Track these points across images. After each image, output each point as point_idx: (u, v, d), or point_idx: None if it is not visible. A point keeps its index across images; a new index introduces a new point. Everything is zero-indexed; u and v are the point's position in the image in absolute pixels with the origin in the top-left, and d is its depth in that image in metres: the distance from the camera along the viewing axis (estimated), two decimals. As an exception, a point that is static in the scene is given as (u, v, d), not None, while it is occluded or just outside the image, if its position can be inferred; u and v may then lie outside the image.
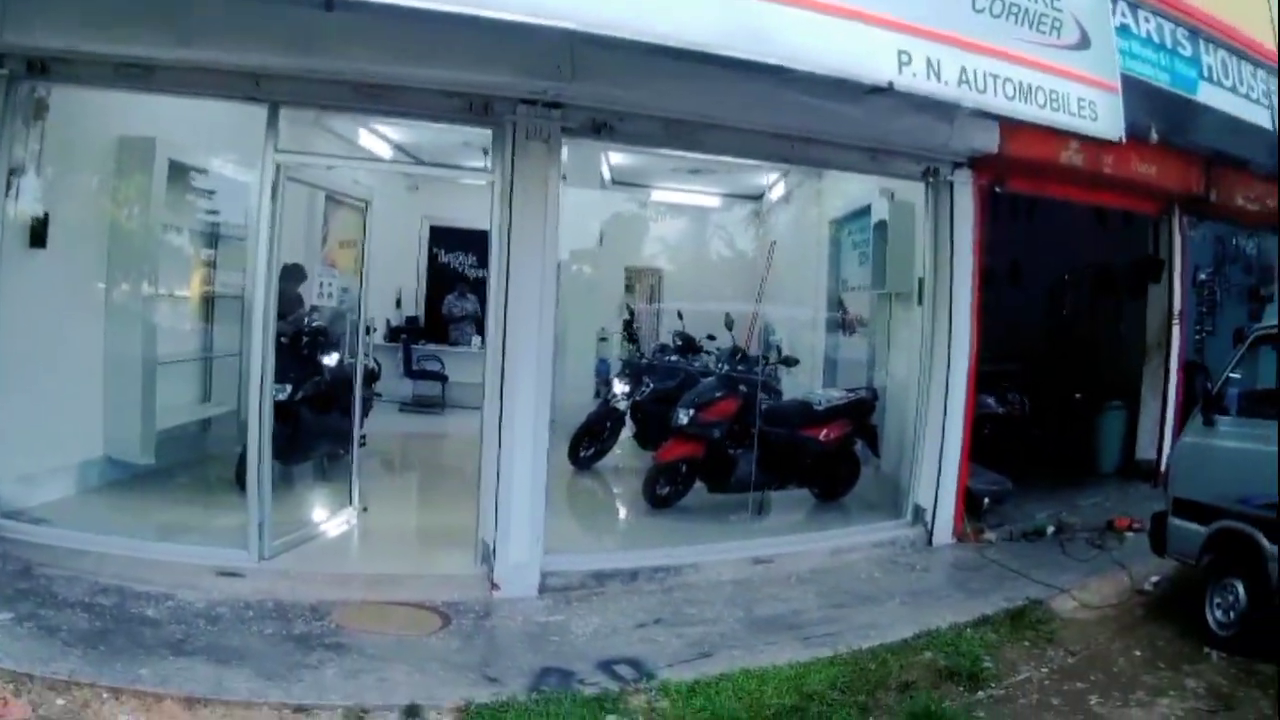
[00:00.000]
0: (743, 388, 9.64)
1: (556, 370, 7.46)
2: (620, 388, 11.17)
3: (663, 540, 8.50)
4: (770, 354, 10.77)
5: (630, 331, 15.82)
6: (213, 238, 9.98)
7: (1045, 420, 12.13)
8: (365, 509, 8.42)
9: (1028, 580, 7.99)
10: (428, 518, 9.48)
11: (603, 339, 15.81)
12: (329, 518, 8.10)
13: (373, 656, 5.83)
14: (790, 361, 10.30)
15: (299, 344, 8.77)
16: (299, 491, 8.93)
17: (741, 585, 7.76)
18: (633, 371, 11.35)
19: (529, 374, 7.02)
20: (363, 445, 9.42)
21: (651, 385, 10.99)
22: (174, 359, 9.11)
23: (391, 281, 16.13)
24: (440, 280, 17.32)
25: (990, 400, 10.57)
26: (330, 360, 9.12)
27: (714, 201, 17.29)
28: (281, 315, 9.28)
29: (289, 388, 8.34)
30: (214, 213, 9.89)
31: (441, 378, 15.19)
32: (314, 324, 8.99)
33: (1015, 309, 12.62)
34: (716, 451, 9.41)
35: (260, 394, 6.78)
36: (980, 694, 5.96)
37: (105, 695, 4.99)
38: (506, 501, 7.01)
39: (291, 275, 9.66)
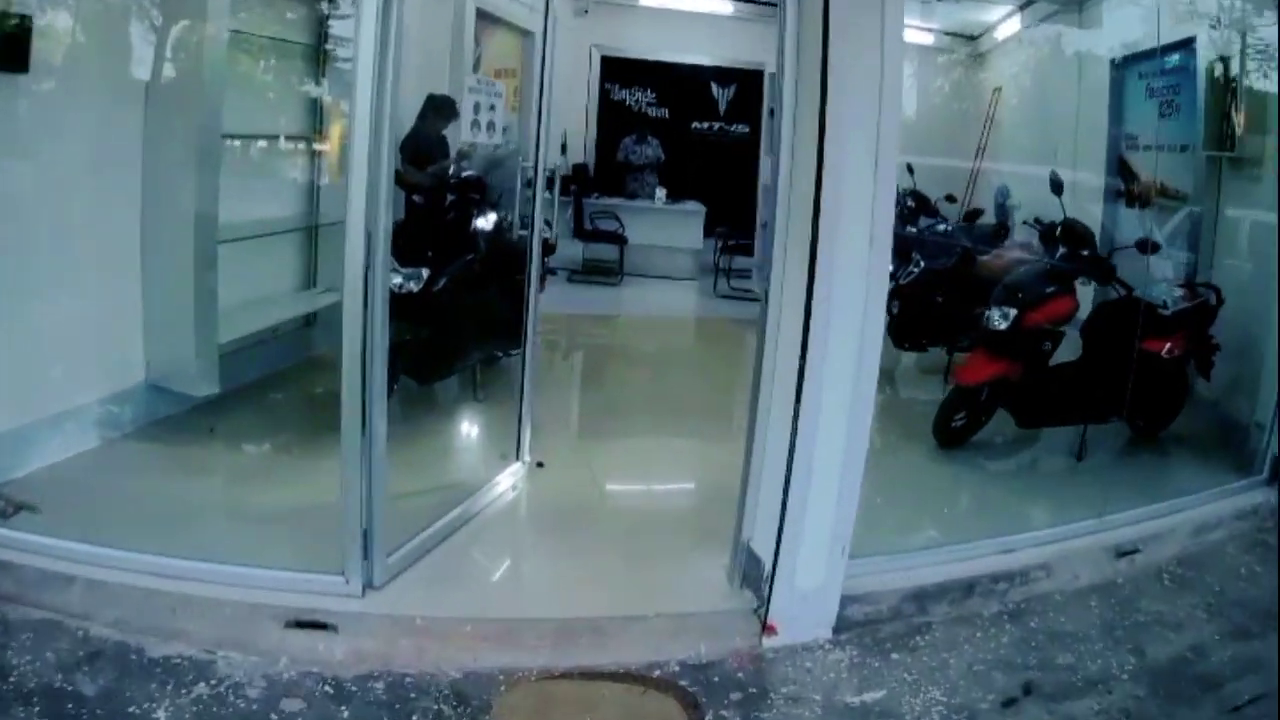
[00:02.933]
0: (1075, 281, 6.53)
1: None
2: (884, 267, 8.00)
3: (982, 518, 5.60)
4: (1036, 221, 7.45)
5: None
6: (315, 54, 7.03)
7: None
8: (540, 464, 5.49)
9: None
10: (638, 482, 6.05)
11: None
12: (483, 488, 5.08)
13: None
14: (1150, 246, 6.93)
15: (441, 205, 5.90)
16: (436, 438, 6.15)
17: (1107, 594, 4.93)
18: (897, 245, 8.10)
19: (852, 303, 3.84)
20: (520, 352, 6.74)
21: (922, 264, 7.84)
22: (253, 233, 6.26)
23: (556, 123, 13.21)
24: (614, 121, 14.56)
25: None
26: (486, 225, 6.23)
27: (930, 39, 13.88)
28: (419, 165, 6.57)
29: (425, 273, 5.53)
30: (320, 19, 7.00)
31: (620, 239, 12.22)
32: (464, 174, 6.10)
33: None
34: (1038, 370, 6.34)
35: (367, 292, 3.74)
36: None
37: None
38: (800, 495, 3.94)
39: (437, 111, 6.93)
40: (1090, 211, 9.96)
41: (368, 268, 3.68)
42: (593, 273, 12.37)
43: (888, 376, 7.80)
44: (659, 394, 7.70)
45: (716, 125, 15.10)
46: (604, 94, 14.76)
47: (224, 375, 5.71)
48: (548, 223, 7.29)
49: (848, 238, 3.69)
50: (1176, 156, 8.41)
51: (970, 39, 13.75)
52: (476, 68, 10.41)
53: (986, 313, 6.28)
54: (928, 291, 7.82)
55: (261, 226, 6.37)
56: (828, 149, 3.61)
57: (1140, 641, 4.45)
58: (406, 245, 5.71)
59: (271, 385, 6.46)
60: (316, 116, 7.11)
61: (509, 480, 5.22)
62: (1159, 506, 5.65)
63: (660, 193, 12.89)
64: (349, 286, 3.67)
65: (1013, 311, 6.15)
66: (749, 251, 12.31)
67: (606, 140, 14.33)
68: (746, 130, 15.05)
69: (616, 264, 12.30)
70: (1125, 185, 9.56)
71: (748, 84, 14.84)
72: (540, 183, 5.05)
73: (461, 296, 5.95)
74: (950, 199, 10.85)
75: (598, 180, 13.50)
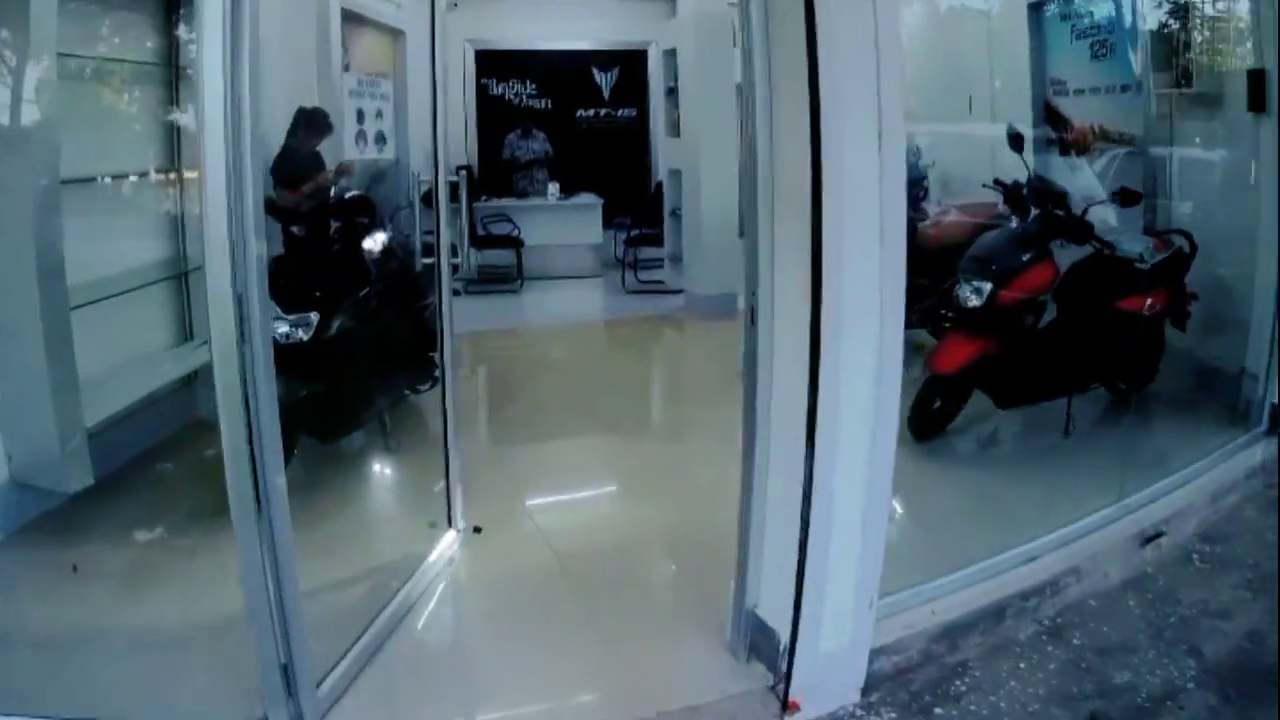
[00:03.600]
0: (1054, 243, 5.85)
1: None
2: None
3: (991, 524, 4.85)
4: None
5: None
6: (167, 73, 6.08)
7: None
8: (478, 529, 4.68)
9: None
10: (595, 535, 4.96)
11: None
12: (416, 571, 4.21)
13: None
14: (1131, 197, 6.34)
15: (325, 234, 5.09)
16: (350, 510, 5.21)
17: (1142, 589, 4.40)
18: None
19: (867, 313, 3.09)
20: (434, 384, 5.87)
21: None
22: (112, 290, 5.29)
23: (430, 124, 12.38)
24: (495, 118, 13.73)
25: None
26: (378, 250, 5.43)
27: None
28: (292, 185, 5.72)
29: (313, 317, 4.68)
30: (169, 33, 6.05)
31: (516, 242, 11.38)
32: (347, 195, 5.29)
33: None
34: (1017, 346, 5.70)
35: (245, 353, 2.85)
36: None
37: None
38: (820, 550, 3.21)
39: (309, 126, 6.11)
40: (1015, 163, 9.49)
41: (242, 335, 2.80)
42: (490, 280, 11.54)
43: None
44: (593, 417, 6.90)
45: (602, 111, 14.39)
46: (481, 90, 13.95)
47: (99, 457, 4.82)
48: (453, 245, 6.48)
49: (856, 235, 2.95)
50: (1116, 98, 7.94)
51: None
52: (348, 68, 9.53)
53: (956, 289, 5.66)
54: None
55: (121, 281, 5.43)
56: (825, 124, 2.84)
57: (1193, 639, 3.96)
58: (289, 286, 4.88)
59: (155, 458, 5.56)
60: (175, 145, 6.16)
61: (444, 554, 4.40)
62: (1173, 479, 5.13)
63: (553, 188, 12.09)
64: (220, 359, 2.82)
65: (987, 286, 5.54)
66: (655, 241, 11.70)
67: (489, 138, 13.47)
68: (634, 114, 14.38)
69: (514, 269, 11.47)
70: (1057, 133, 9.08)
71: (631, 65, 14.18)
72: (444, 195, 4.23)
73: (360, 336, 5.13)
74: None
75: (484, 181, 12.60)
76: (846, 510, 3.24)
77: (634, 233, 11.26)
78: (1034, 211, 5.89)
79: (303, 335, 4.80)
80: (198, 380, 5.96)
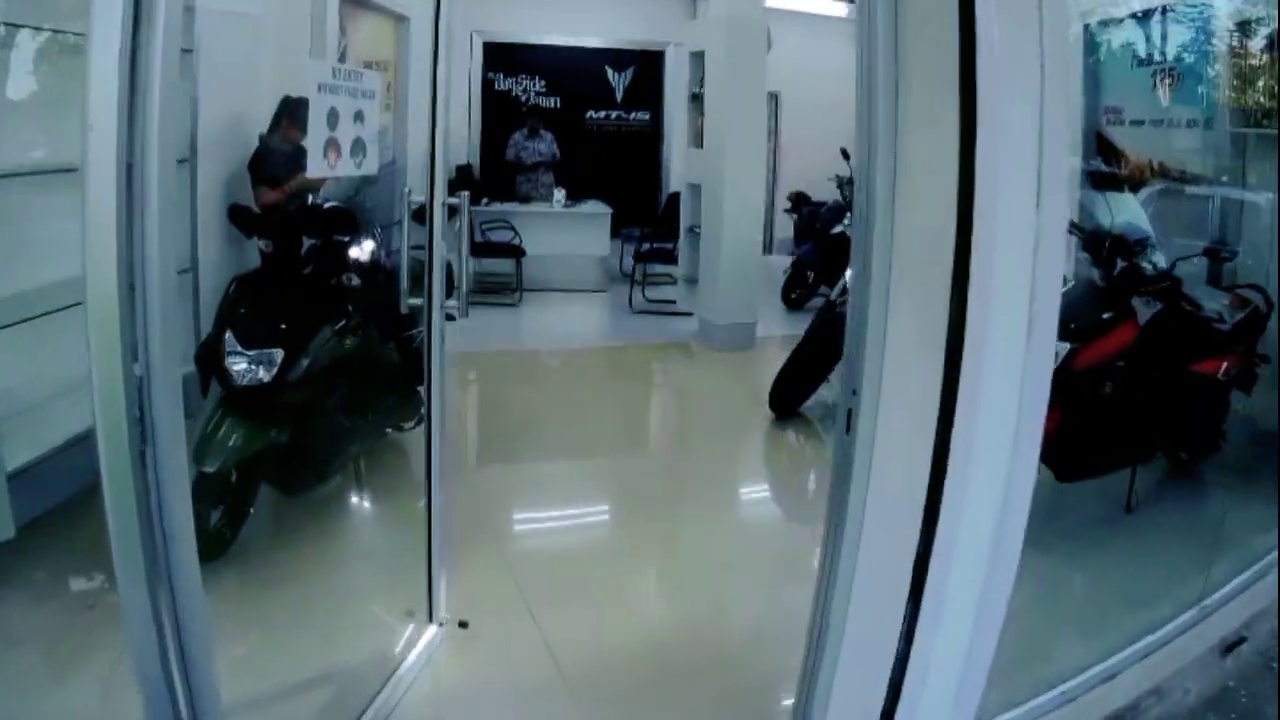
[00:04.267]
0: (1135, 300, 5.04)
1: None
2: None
3: (1062, 630, 3.98)
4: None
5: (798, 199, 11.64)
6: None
7: None
8: (463, 624, 3.84)
9: None
10: (608, 635, 3.98)
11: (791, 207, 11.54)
12: (388, 682, 3.37)
13: None
14: (1223, 253, 5.59)
15: (297, 252, 4.31)
16: (305, 589, 4.27)
17: (1227, 709, 3.71)
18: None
19: (1003, 415, 2.22)
20: (420, 420, 5.16)
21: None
22: (36, 309, 4.29)
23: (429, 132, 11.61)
24: (500, 115, 12.99)
25: None
26: (363, 254, 4.64)
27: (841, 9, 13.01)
28: (272, 183, 5.15)
29: (277, 355, 3.92)
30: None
31: (517, 252, 10.54)
32: (326, 205, 4.51)
33: None
34: (1088, 417, 4.84)
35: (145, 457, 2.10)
36: None
37: None
38: (912, 700, 2.42)
39: (293, 118, 5.35)
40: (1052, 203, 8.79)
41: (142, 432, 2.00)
42: (488, 291, 10.71)
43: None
44: (596, 473, 6.09)
45: (614, 114, 13.67)
46: (487, 84, 13.24)
47: (23, 503, 3.98)
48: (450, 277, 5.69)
49: (1004, 320, 2.13)
50: (1181, 133, 7.21)
51: None
52: (342, 62, 8.72)
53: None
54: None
55: (52, 295, 4.58)
56: (980, 166, 2.02)
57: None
58: (251, 314, 4.07)
59: (91, 503, 4.71)
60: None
61: (420, 656, 3.58)
62: (1252, 572, 4.35)
63: (559, 194, 11.24)
64: (106, 459, 2.02)
65: (1064, 348, 4.74)
66: (666, 257, 10.90)
67: (492, 137, 12.69)
68: (647, 118, 13.67)
69: (514, 280, 10.64)
70: (1109, 166, 8.35)
71: (647, 66, 13.50)
72: (439, 221, 3.39)
73: (333, 374, 4.32)
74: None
75: (485, 184, 11.77)
76: (950, 647, 2.44)
77: (644, 247, 10.43)
78: (1117, 262, 5.10)
79: (264, 376, 3.99)
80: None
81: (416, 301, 3.19)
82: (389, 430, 5.43)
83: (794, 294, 10.32)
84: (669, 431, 7.11)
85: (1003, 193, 2.03)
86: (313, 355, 4.11)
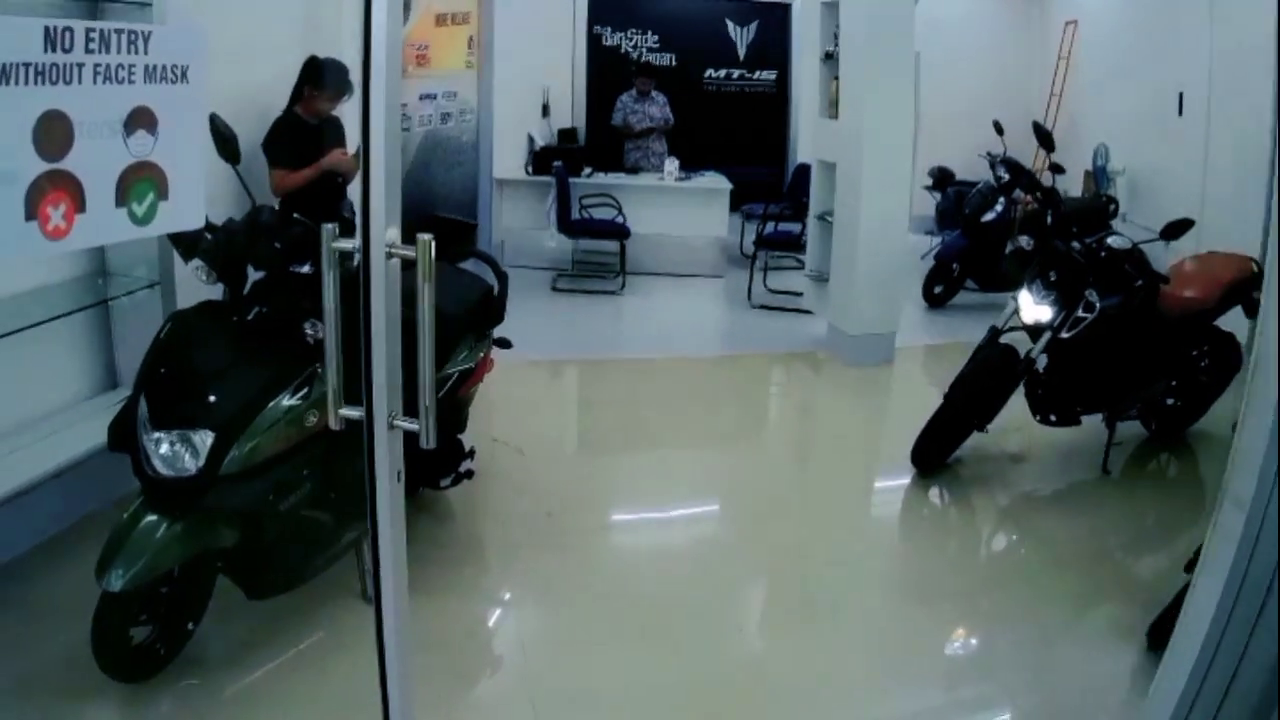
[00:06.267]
0: None
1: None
2: (1036, 307, 5.02)
3: None
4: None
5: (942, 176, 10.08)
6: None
7: None
8: None
9: None
10: None
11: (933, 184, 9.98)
12: None
13: None
14: None
15: (239, 287, 3.08)
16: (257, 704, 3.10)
17: None
18: (1057, 265, 5.08)
19: None
20: (468, 476, 4.21)
21: (1099, 304, 4.86)
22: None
23: (533, 78, 10.37)
24: (607, 74, 11.72)
25: None
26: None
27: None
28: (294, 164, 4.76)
29: (205, 440, 2.63)
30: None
31: (620, 232, 9.16)
32: (296, 227, 3.22)
33: None
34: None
35: None
36: None
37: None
38: None
39: (318, 83, 4.29)
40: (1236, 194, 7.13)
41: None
42: (586, 275, 9.40)
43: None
44: (704, 538, 4.74)
45: (735, 73, 12.24)
46: (594, 39, 11.94)
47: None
48: (497, 267, 4.41)
49: None
50: None
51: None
52: (407, 13, 7.49)
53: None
54: (1098, 350, 5.01)
55: (18, 311, 3.54)
56: None
57: None
58: (176, 375, 2.83)
59: (64, 549, 3.72)
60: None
61: None
62: None
63: (671, 164, 9.79)
64: None
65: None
66: (792, 245, 9.41)
67: (599, 99, 11.33)
68: (773, 79, 12.24)
69: (617, 263, 9.27)
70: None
71: (772, 21, 12.12)
72: (380, 275, 1.96)
73: (297, 464, 3.05)
74: (1057, 169, 7.90)
75: (589, 151, 10.38)
76: None
77: (767, 229, 8.93)
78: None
79: (189, 465, 2.74)
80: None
81: (352, 414, 1.87)
82: (417, 490, 4.21)
83: (936, 289, 8.78)
84: (801, 484, 5.55)
85: None
86: (257, 438, 2.84)
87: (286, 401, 2.94)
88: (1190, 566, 3.66)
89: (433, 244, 1.75)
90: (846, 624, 3.93)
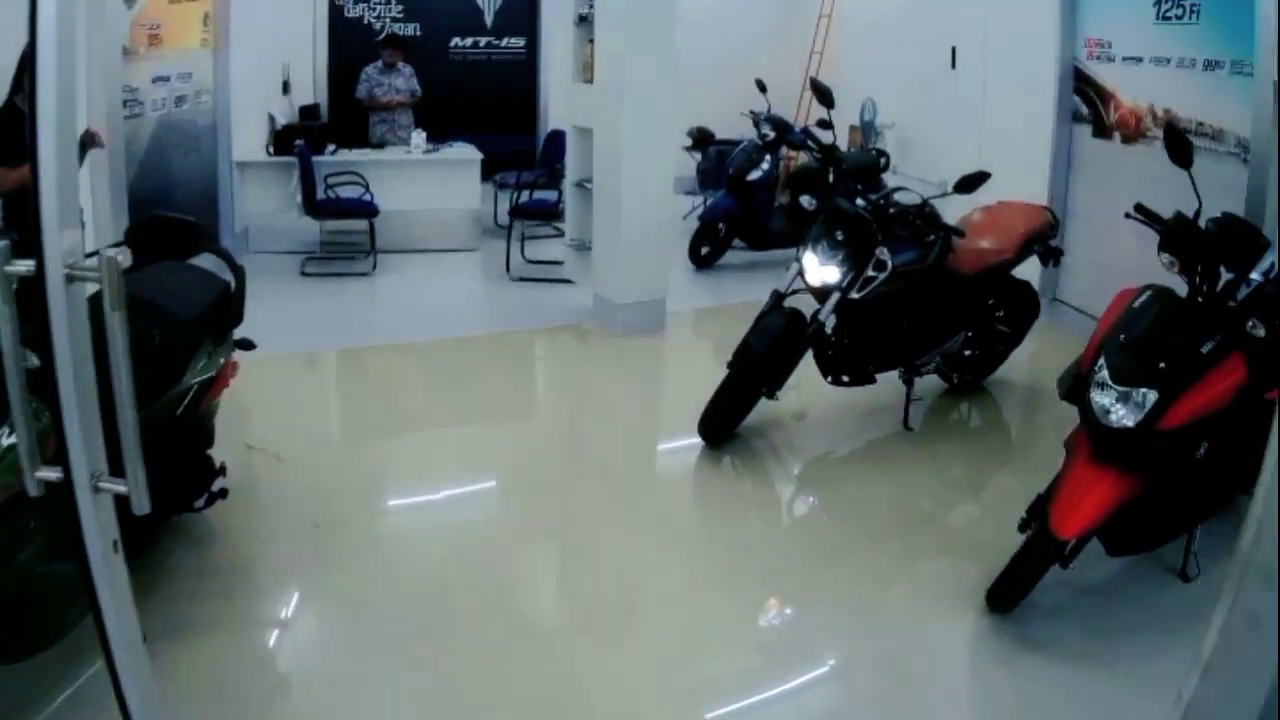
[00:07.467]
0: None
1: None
2: (821, 269, 4.97)
3: None
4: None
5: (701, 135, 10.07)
6: None
7: None
8: None
9: None
10: None
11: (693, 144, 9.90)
12: None
13: None
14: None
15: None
16: None
17: None
18: (844, 223, 5.02)
19: None
20: (222, 496, 3.88)
21: (890, 263, 4.86)
22: None
23: (273, 54, 9.83)
24: (349, 46, 11.17)
25: None
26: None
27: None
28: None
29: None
30: None
31: (368, 210, 8.72)
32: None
33: None
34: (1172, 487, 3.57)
35: None
36: None
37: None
38: None
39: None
40: (1016, 145, 7.38)
41: None
42: (336, 257, 8.91)
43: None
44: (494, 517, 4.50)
45: (483, 41, 11.89)
46: (335, 11, 11.43)
47: None
48: (233, 264, 4.06)
49: None
50: (1198, 76, 5.90)
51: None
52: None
53: (1092, 395, 3.43)
54: (884, 312, 5.02)
55: None
56: None
57: None
58: None
59: None
60: None
61: None
62: None
63: (418, 137, 9.44)
64: None
65: (1151, 396, 3.30)
66: (548, 213, 9.14)
67: (342, 72, 10.82)
68: (522, 46, 11.94)
69: (367, 243, 8.80)
70: (1089, 109, 6.99)
71: (522, -15, 11.75)
72: (60, 305, 1.62)
73: (24, 510, 2.63)
74: (826, 125, 8.06)
75: (333, 128, 9.84)
76: None
77: (522, 200, 8.68)
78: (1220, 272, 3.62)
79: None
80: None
81: (49, 475, 1.55)
82: (168, 517, 3.81)
83: (703, 250, 8.75)
84: (563, 467, 5.31)
85: None
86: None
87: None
88: (1024, 526, 3.68)
89: (119, 261, 1.44)
90: (650, 617, 3.78)
